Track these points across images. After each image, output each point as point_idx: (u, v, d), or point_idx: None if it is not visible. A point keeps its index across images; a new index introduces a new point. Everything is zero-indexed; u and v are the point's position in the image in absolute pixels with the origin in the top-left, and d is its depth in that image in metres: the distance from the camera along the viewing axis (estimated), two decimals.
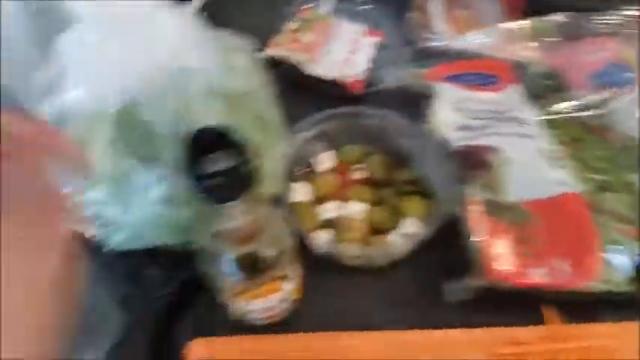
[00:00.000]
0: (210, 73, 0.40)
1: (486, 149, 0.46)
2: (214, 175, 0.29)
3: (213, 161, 0.29)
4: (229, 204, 0.31)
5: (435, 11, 0.68)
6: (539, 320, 0.43)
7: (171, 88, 0.38)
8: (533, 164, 0.46)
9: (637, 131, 0.49)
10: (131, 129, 0.39)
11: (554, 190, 0.44)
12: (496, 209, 0.43)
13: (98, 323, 0.45)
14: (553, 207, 0.43)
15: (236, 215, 0.33)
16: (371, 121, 0.51)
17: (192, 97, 0.38)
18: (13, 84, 0.43)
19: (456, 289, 0.43)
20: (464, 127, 0.49)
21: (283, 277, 0.39)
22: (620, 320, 0.42)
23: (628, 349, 0.41)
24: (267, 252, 0.37)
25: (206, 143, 0.29)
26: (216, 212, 0.33)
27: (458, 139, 0.48)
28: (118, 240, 0.43)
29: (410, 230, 0.47)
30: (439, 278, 0.45)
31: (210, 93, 0.39)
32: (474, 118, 0.50)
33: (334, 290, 0.47)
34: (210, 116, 0.39)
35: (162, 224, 0.41)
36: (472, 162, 0.46)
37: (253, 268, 0.37)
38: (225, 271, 0.36)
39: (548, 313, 0.43)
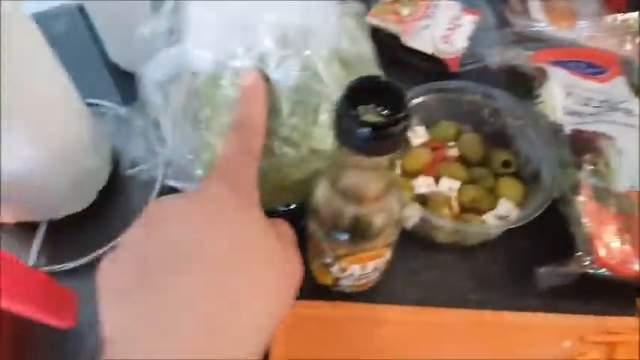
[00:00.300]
0: (331, 36, 0.39)
1: (598, 135, 0.44)
2: (372, 125, 0.27)
3: (370, 111, 0.28)
4: (379, 158, 0.30)
5: None
6: (632, 311, 0.42)
7: (297, 49, 0.37)
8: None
9: None
10: None
11: None
12: (604, 196, 0.42)
13: None
14: None
15: (374, 172, 0.32)
16: (472, 97, 0.50)
17: (316, 60, 0.38)
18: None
19: (550, 274, 0.42)
20: (574, 113, 0.47)
21: (389, 245, 0.38)
22: None
23: None
24: (381, 218, 0.36)
25: (366, 93, 0.28)
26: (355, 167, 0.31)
27: (569, 123, 0.46)
28: None
29: (505, 212, 0.46)
30: (531, 263, 0.44)
31: (332, 56, 0.38)
32: (584, 105, 0.48)
33: (421, 265, 0.47)
34: (332, 79, 0.38)
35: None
36: (583, 147, 0.44)
37: (364, 232, 0.36)
38: (338, 231, 0.36)
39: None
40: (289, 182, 0.40)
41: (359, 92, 0.28)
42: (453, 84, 0.50)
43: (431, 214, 0.45)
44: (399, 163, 0.49)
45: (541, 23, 0.62)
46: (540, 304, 0.43)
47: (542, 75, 0.50)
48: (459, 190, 0.48)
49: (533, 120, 0.46)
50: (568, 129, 0.45)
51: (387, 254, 0.39)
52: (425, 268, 0.46)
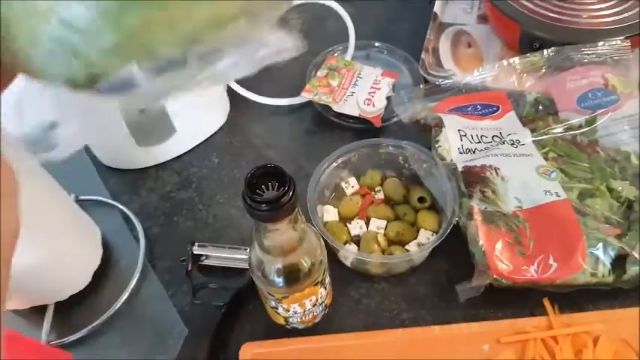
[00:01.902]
0: None
1: (486, 168, 0.52)
2: (266, 202, 0.36)
3: (265, 189, 0.36)
4: (276, 224, 0.38)
5: (443, 51, 0.75)
6: (538, 312, 0.48)
7: None
8: (526, 178, 0.51)
9: (621, 145, 0.54)
10: None
11: (544, 199, 0.49)
12: (494, 218, 0.49)
13: (167, 331, 0.52)
14: (544, 213, 0.48)
15: (281, 232, 0.40)
16: (387, 149, 0.58)
17: None
18: None
19: (466, 289, 0.49)
20: (467, 151, 0.55)
21: (320, 283, 0.46)
22: (605, 308, 0.47)
23: (612, 333, 0.45)
24: (305, 262, 0.43)
25: (261, 176, 0.36)
26: (266, 231, 0.39)
27: (461, 161, 0.53)
28: None
29: (424, 240, 0.53)
30: (451, 280, 0.51)
31: None
32: (477, 142, 0.56)
33: (362, 295, 0.53)
34: None
35: None
36: (473, 179, 0.51)
37: (294, 276, 0.43)
38: (272, 279, 0.43)
39: (546, 305, 0.48)
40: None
41: (258, 176, 0.36)
42: (369, 141, 0.58)
43: (363, 252, 0.53)
44: (336, 210, 0.57)
45: (452, 72, 0.70)
46: (462, 315, 0.50)
47: (439, 123, 0.58)
48: (386, 227, 0.55)
49: (435, 162, 0.54)
50: (461, 166, 0.53)
51: (321, 291, 0.46)
52: (365, 297, 0.53)
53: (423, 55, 0.72)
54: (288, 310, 0.46)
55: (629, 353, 0.45)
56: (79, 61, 0.21)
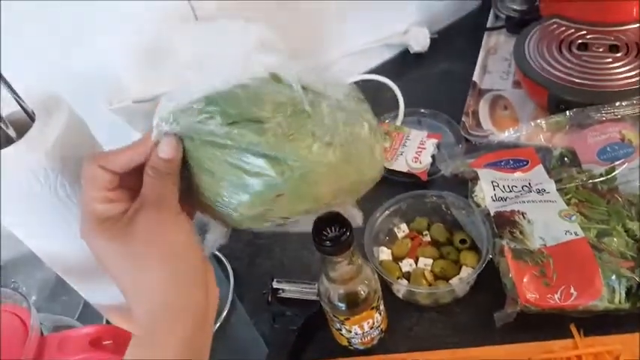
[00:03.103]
0: None
1: (514, 213, 0.60)
2: (330, 239, 0.47)
3: (330, 231, 0.47)
4: (338, 257, 0.48)
5: (482, 114, 0.85)
6: (565, 335, 0.55)
7: None
8: (550, 220, 0.59)
9: (637, 191, 0.61)
10: None
11: (565, 237, 0.57)
12: (522, 254, 0.57)
13: (252, 351, 0.62)
14: (565, 249, 0.56)
15: (342, 265, 0.50)
16: (432, 199, 0.67)
17: None
18: None
19: (501, 316, 0.56)
20: (499, 199, 0.64)
21: (375, 308, 0.55)
22: (625, 332, 0.53)
23: (631, 353, 0.51)
24: (362, 290, 0.53)
25: (326, 221, 0.47)
26: (330, 264, 0.50)
27: (494, 208, 0.62)
28: None
29: (466, 276, 0.62)
30: (489, 309, 0.58)
31: None
32: (508, 192, 0.65)
33: (412, 324, 0.62)
34: None
35: None
36: (504, 222, 0.60)
37: (354, 301, 0.53)
38: (336, 304, 0.53)
39: (572, 329, 0.55)
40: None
41: (324, 220, 0.48)
42: (418, 192, 0.68)
43: (412, 285, 0.62)
44: (389, 251, 0.67)
45: (489, 132, 0.80)
46: (499, 338, 0.57)
47: (475, 177, 0.67)
48: (433, 265, 0.64)
49: (472, 209, 0.63)
50: (493, 212, 0.62)
51: (377, 316, 0.56)
52: (416, 325, 0.62)
53: (463, 118, 0.82)
54: (350, 332, 0.56)
55: None
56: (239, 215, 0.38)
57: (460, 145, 0.78)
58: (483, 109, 0.85)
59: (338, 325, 0.56)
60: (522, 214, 0.60)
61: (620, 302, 0.53)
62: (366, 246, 0.63)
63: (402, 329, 0.62)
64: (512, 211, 0.61)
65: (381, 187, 0.77)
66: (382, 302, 0.57)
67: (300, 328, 0.62)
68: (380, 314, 0.57)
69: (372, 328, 0.57)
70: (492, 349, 0.56)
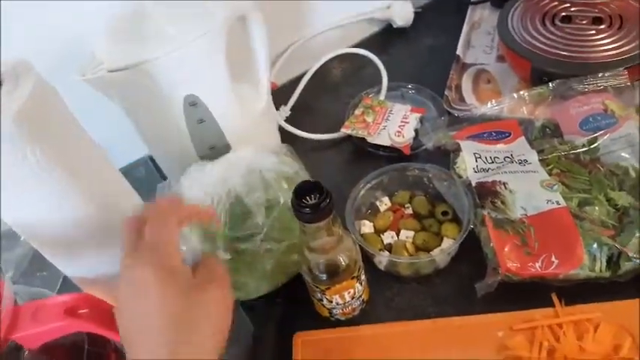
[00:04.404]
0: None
1: (496, 183, 0.59)
2: (309, 206, 0.45)
3: (309, 199, 0.46)
4: (317, 224, 0.47)
5: (465, 88, 0.83)
6: (546, 304, 0.54)
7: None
8: (531, 190, 0.58)
9: (620, 161, 0.60)
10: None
11: (546, 207, 0.56)
12: (503, 224, 0.56)
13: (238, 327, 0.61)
14: (546, 219, 0.55)
15: (322, 234, 0.49)
16: (414, 172, 0.66)
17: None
18: None
19: (482, 286, 0.56)
20: (481, 170, 0.62)
21: (356, 278, 0.54)
22: (606, 300, 0.52)
23: (611, 321, 0.50)
24: (343, 260, 0.52)
25: (306, 190, 0.46)
26: (310, 232, 0.49)
27: (476, 178, 0.61)
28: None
29: (447, 247, 0.61)
30: (470, 280, 0.57)
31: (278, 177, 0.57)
32: (490, 163, 0.63)
33: (394, 294, 0.61)
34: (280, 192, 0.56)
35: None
36: (486, 193, 0.59)
37: (334, 271, 0.52)
38: (316, 274, 0.52)
39: (553, 297, 0.54)
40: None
41: (304, 189, 0.46)
42: (398, 165, 0.66)
43: (393, 256, 0.61)
44: (372, 224, 0.65)
45: (472, 106, 0.78)
46: (480, 308, 0.56)
47: (458, 148, 0.66)
48: (414, 237, 0.63)
49: (454, 180, 0.62)
50: (475, 182, 0.60)
51: (357, 286, 0.55)
52: (397, 296, 0.61)
53: (446, 92, 0.81)
54: (331, 302, 0.55)
55: (626, 338, 0.49)
56: None
57: (443, 118, 0.76)
58: (466, 83, 0.84)
59: (319, 295, 0.55)
60: (504, 184, 0.59)
61: (601, 270, 0.52)
62: (348, 219, 0.61)
63: (383, 300, 0.61)
64: (494, 182, 0.60)
65: (364, 161, 0.77)
66: (363, 273, 0.56)
67: (283, 301, 0.61)
68: (361, 284, 0.55)
69: (353, 298, 0.55)
70: (473, 318, 0.55)
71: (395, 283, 0.62)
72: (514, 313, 0.54)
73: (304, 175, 0.60)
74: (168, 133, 0.61)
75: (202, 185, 0.55)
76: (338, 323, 0.58)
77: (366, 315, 0.59)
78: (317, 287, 0.53)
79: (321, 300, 0.55)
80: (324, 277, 0.52)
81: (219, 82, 0.59)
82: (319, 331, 0.57)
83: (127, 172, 0.64)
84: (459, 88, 0.83)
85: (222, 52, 0.58)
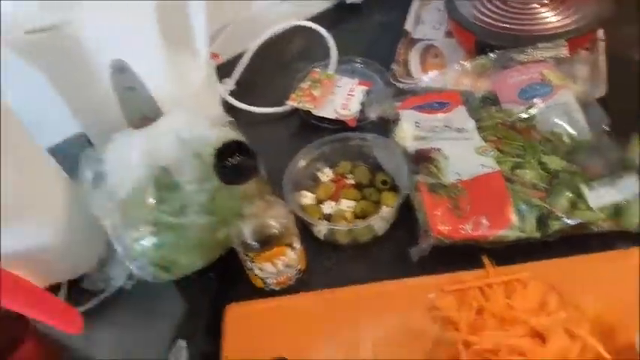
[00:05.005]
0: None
1: (431, 150, 0.59)
2: (231, 166, 0.44)
3: (232, 159, 0.45)
4: (241, 185, 0.46)
5: (413, 62, 0.83)
6: (478, 266, 0.54)
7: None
8: (466, 156, 0.58)
9: (555, 128, 0.61)
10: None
11: (480, 171, 0.56)
12: (437, 188, 0.56)
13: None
14: (479, 183, 0.55)
15: (250, 198, 0.48)
16: (355, 142, 0.65)
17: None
18: None
19: (417, 250, 0.55)
20: (420, 138, 0.62)
21: (288, 246, 0.53)
22: (533, 260, 0.53)
23: (540, 280, 0.51)
24: (273, 226, 0.51)
25: (228, 150, 0.44)
26: (235, 196, 0.48)
27: (414, 146, 0.61)
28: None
29: (386, 215, 0.60)
30: (407, 246, 0.57)
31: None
32: (428, 131, 0.63)
33: (332, 263, 0.60)
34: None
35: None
36: (421, 159, 0.59)
37: (264, 238, 0.51)
38: (246, 241, 0.51)
39: (484, 259, 0.54)
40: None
41: (227, 150, 0.45)
42: (341, 135, 0.66)
43: (331, 223, 0.60)
44: (313, 196, 0.65)
45: (418, 78, 0.78)
46: (417, 273, 0.56)
47: (399, 118, 0.65)
48: (354, 207, 0.62)
49: (393, 148, 0.62)
50: (412, 150, 0.60)
51: (290, 253, 0.54)
52: (335, 264, 0.60)
53: (393, 66, 0.80)
54: (262, 270, 0.54)
55: (553, 295, 0.50)
56: None
57: (388, 91, 0.76)
58: (414, 57, 0.83)
59: (249, 264, 0.54)
60: (440, 150, 0.59)
61: (530, 231, 0.52)
62: (285, 188, 0.61)
63: (321, 269, 0.60)
64: (431, 149, 0.59)
65: (310, 134, 0.76)
66: (298, 242, 0.55)
67: (217, 275, 0.59)
68: (295, 253, 0.55)
69: (287, 266, 0.55)
70: (405, 281, 0.55)
71: (334, 252, 0.61)
72: (445, 275, 0.54)
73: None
74: (96, 103, 0.59)
75: (127, 154, 0.53)
76: (273, 294, 0.57)
77: (304, 285, 0.58)
78: (247, 256, 0.52)
79: (253, 269, 0.54)
80: (254, 244, 0.51)
81: (149, 48, 0.57)
82: (251, 302, 0.56)
83: (61, 148, 0.61)
84: (406, 62, 0.83)
85: (153, 15, 0.56)
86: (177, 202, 0.53)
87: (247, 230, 0.50)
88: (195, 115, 0.59)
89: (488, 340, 0.46)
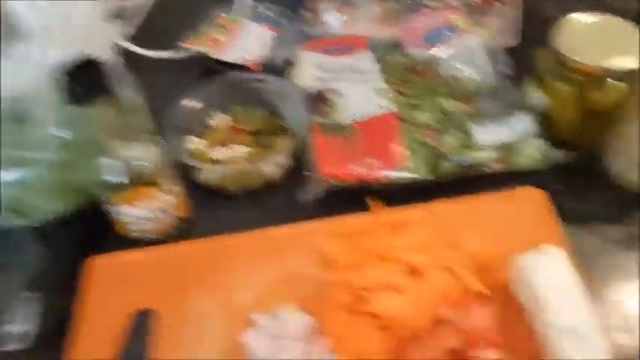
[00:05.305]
0: None
1: (328, 90, 0.55)
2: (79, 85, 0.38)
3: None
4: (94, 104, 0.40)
5: (323, 8, 0.78)
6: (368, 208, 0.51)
7: None
8: (363, 97, 0.55)
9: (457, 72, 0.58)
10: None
11: (376, 112, 0.53)
12: (332, 129, 0.52)
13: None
14: (374, 123, 0.52)
15: (114, 132, 0.42)
16: (251, 84, 0.60)
17: None
18: None
19: (309, 194, 0.52)
20: (318, 79, 0.58)
21: (156, 186, 0.47)
22: (425, 201, 0.50)
23: (427, 221, 0.48)
24: (138, 162, 0.45)
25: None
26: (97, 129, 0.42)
27: (311, 88, 0.57)
28: None
29: (281, 160, 0.56)
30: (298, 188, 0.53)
31: None
32: (329, 73, 0.59)
33: (220, 211, 0.55)
34: None
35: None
36: (319, 100, 0.55)
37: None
38: (108, 180, 0.45)
39: (374, 202, 0.50)
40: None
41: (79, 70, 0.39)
42: (231, 75, 0.60)
43: (214, 167, 0.55)
44: (203, 141, 0.59)
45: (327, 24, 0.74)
46: (309, 218, 0.52)
47: (300, 61, 0.61)
48: (249, 153, 0.58)
49: (291, 91, 0.57)
50: (310, 91, 0.56)
51: (161, 196, 0.48)
52: (224, 213, 0.55)
53: (303, 12, 0.76)
54: (124, 214, 0.48)
55: (437, 235, 0.47)
56: None
57: (295, 36, 0.71)
58: (326, 3, 0.79)
59: (112, 207, 0.48)
60: (337, 91, 0.55)
61: (422, 172, 0.50)
62: (168, 130, 0.55)
63: (208, 218, 0.55)
64: (329, 90, 0.56)
65: (209, 79, 0.70)
66: (175, 186, 0.50)
67: (83, 225, 0.53)
68: (169, 195, 0.49)
69: (161, 211, 0.49)
70: (292, 226, 0.51)
71: (223, 201, 0.56)
72: (334, 218, 0.50)
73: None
74: None
75: None
76: (149, 244, 0.52)
77: (189, 235, 0.53)
78: (109, 199, 0.47)
79: (114, 214, 0.48)
80: (111, 182, 0.45)
81: None
82: (116, 254, 0.50)
83: None
84: (317, 8, 0.78)
85: None
86: (33, 135, 0.47)
87: (106, 168, 0.45)
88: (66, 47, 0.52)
89: (364, 279, 0.43)
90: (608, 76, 0.46)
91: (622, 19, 0.49)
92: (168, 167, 0.48)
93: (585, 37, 0.48)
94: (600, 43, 0.47)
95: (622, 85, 0.47)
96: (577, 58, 0.46)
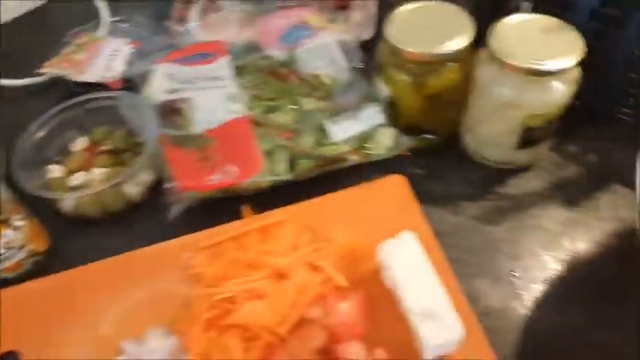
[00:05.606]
0: None
1: (179, 100, 0.54)
2: None
3: None
4: None
5: (192, 19, 0.77)
6: (240, 217, 0.50)
7: None
8: (216, 104, 0.54)
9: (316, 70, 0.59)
10: None
11: (228, 118, 0.52)
12: (183, 141, 0.51)
13: None
14: (226, 130, 0.51)
15: None
16: (104, 103, 0.58)
17: None
18: None
19: (173, 211, 0.50)
20: (170, 91, 0.56)
21: (3, 223, 0.44)
22: (293, 202, 0.50)
23: (295, 223, 0.48)
24: None
25: None
26: None
27: (160, 100, 0.55)
28: None
29: (139, 179, 0.54)
30: (165, 210, 0.51)
31: None
32: (183, 83, 0.57)
33: (81, 240, 0.53)
34: None
35: None
36: (169, 111, 0.53)
37: None
38: None
39: (244, 209, 0.50)
40: None
41: None
42: (82, 98, 0.58)
43: (81, 199, 0.52)
44: (63, 168, 0.56)
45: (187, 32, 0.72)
46: (176, 235, 0.50)
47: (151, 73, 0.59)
48: (108, 174, 0.55)
49: (142, 105, 0.55)
50: (158, 102, 0.54)
51: (7, 233, 0.45)
52: (85, 240, 0.53)
53: (169, 24, 0.74)
54: None
55: (305, 235, 0.47)
56: None
57: (156, 47, 0.69)
58: (195, 13, 0.77)
59: None
60: (188, 100, 0.54)
61: (282, 173, 0.49)
62: (17, 164, 0.52)
63: (70, 249, 0.52)
64: (179, 100, 0.54)
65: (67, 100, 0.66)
66: (28, 219, 0.47)
67: None
68: (17, 232, 0.46)
69: (9, 249, 0.46)
70: (157, 246, 0.49)
71: (84, 227, 0.54)
72: (200, 232, 0.49)
73: None
74: None
75: None
76: (5, 284, 0.48)
77: (48, 269, 0.50)
78: None
79: None
80: None
81: None
82: None
83: None
84: (184, 18, 0.76)
85: None
86: None
87: None
88: None
89: (227, 289, 0.42)
90: (439, 61, 0.48)
91: (449, 4, 0.51)
92: (15, 202, 0.45)
93: (414, 26, 0.49)
94: (430, 29, 0.49)
95: (455, 65, 0.49)
96: (407, 48, 0.47)
